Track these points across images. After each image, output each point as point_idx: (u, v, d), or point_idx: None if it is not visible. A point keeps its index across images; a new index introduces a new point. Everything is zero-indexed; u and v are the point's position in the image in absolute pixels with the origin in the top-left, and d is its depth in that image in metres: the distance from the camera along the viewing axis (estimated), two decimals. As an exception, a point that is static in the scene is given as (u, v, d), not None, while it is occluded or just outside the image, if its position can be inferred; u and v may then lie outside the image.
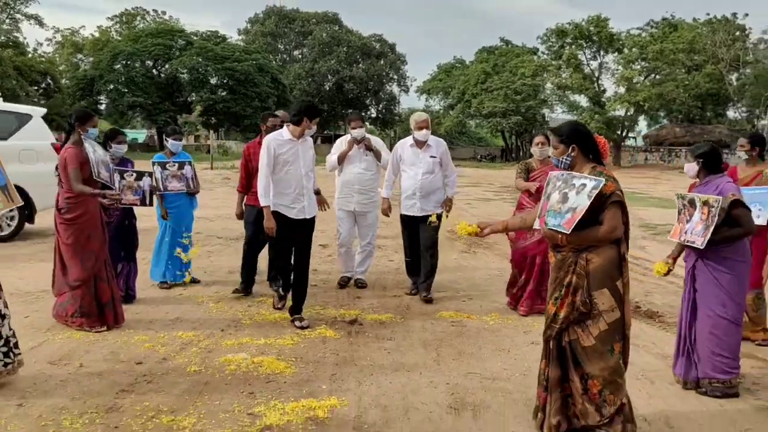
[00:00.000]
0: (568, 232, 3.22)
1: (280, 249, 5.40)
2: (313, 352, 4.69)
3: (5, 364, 3.90)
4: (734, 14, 45.13)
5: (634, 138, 54.40)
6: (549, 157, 4.69)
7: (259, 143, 5.83)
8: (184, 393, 3.86)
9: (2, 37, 41.80)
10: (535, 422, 3.48)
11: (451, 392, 3.98)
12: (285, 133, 5.26)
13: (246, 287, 6.34)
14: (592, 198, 3.18)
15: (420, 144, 6.29)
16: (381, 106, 69.60)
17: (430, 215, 6.00)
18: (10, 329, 4.00)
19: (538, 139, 5.92)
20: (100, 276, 5.08)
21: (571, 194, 3.28)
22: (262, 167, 5.21)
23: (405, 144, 6.43)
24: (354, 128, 6.51)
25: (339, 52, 64.11)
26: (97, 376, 4.09)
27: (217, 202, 14.51)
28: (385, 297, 6.43)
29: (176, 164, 6.46)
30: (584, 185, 3.24)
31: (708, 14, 47.06)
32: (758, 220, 4.57)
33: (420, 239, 6.31)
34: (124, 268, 5.80)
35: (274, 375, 4.18)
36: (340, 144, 6.68)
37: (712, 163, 4.19)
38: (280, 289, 5.77)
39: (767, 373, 4.48)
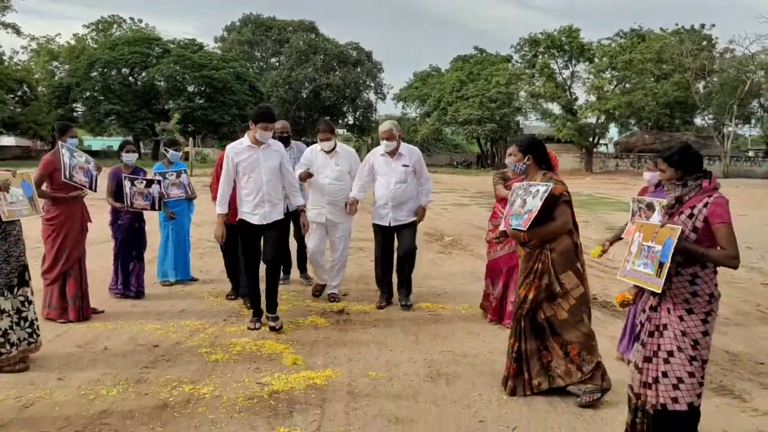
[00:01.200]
0: (525, 229, 3.93)
1: (248, 256, 5.42)
2: (307, 336, 5.34)
3: (29, 343, 4.50)
4: (702, 25, 46.89)
5: (606, 145, 55.84)
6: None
7: None
8: (199, 369, 4.49)
9: (-22, 46, 41.47)
10: (504, 389, 4.16)
11: (428, 366, 4.67)
12: (245, 140, 5.34)
13: (237, 294, 6.51)
14: (543, 199, 3.90)
15: (391, 153, 6.16)
16: (358, 113, 70.29)
17: (406, 222, 6.14)
18: (34, 313, 4.59)
19: (510, 150, 5.52)
20: (70, 273, 5.63)
21: (528, 199, 4.01)
22: (222, 175, 5.40)
23: (377, 153, 6.28)
24: (323, 140, 6.31)
25: (316, 60, 64.67)
26: (122, 356, 4.70)
27: (200, 207, 15.01)
28: (369, 291, 7.09)
29: (174, 173, 7.06)
30: (538, 190, 3.96)
31: (677, 24, 48.69)
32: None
33: (395, 249, 6.34)
34: (135, 267, 6.39)
35: (275, 354, 4.83)
36: (310, 154, 6.41)
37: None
38: (248, 304, 5.85)
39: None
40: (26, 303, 4.53)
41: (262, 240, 5.44)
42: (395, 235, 6.29)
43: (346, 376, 4.41)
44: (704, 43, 45.26)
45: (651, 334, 3.22)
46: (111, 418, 3.64)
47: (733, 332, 5.75)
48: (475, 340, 5.36)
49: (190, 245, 7.36)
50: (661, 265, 3.04)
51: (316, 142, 6.54)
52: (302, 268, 7.41)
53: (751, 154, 53.55)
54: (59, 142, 5.59)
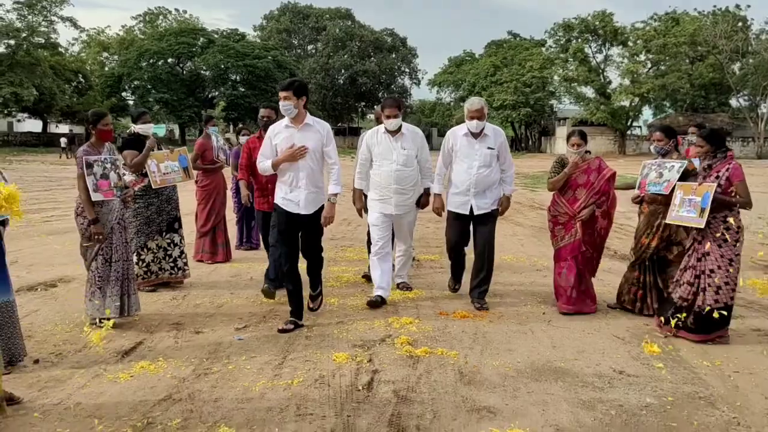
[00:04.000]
0: (666, 193, 5.24)
1: (283, 249, 4.93)
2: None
3: (171, 274, 6.18)
4: (737, 6, 47.04)
5: (639, 127, 56.36)
6: (588, 152, 5.58)
7: (259, 137, 5.85)
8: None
9: (40, 39, 44.24)
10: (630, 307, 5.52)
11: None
12: (286, 119, 4.87)
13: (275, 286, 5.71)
14: (680, 173, 5.21)
15: (475, 134, 5.56)
16: (393, 98, 71.58)
17: (489, 212, 5.61)
18: (180, 253, 6.22)
19: (574, 140, 5.50)
20: (218, 226, 7.47)
21: (664, 172, 5.35)
22: (260, 154, 5.01)
23: (458, 133, 5.65)
24: (389, 117, 5.59)
25: (352, 47, 66.28)
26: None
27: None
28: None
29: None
30: (673, 166, 5.32)
31: (714, 6, 48.83)
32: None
33: (474, 239, 5.78)
34: (254, 225, 8.16)
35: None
36: (371, 138, 5.79)
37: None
38: (270, 287, 5.63)
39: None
40: (172, 245, 6.25)
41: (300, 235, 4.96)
42: (472, 224, 5.72)
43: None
44: (739, 24, 45.48)
45: (699, 260, 4.81)
46: (278, 313, 5.37)
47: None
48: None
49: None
50: (702, 210, 4.66)
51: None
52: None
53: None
54: (206, 129, 7.42)
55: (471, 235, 5.88)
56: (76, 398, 3.57)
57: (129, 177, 5.22)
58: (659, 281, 5.50)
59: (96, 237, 4.79)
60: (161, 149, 6.16)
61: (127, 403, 3.50)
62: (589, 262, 5.60)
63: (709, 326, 4.75)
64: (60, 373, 3.94)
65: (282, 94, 4.75)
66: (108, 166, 4.89)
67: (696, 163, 5.36)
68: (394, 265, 6.19)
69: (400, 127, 5.69)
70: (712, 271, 4.75)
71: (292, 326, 4.91)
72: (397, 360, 4.27)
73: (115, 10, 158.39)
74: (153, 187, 6.01)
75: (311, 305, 5.27)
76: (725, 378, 4.10)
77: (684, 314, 4.84)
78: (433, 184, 5.80)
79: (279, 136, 4.88)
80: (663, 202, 5.34)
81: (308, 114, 4.91)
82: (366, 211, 6.01)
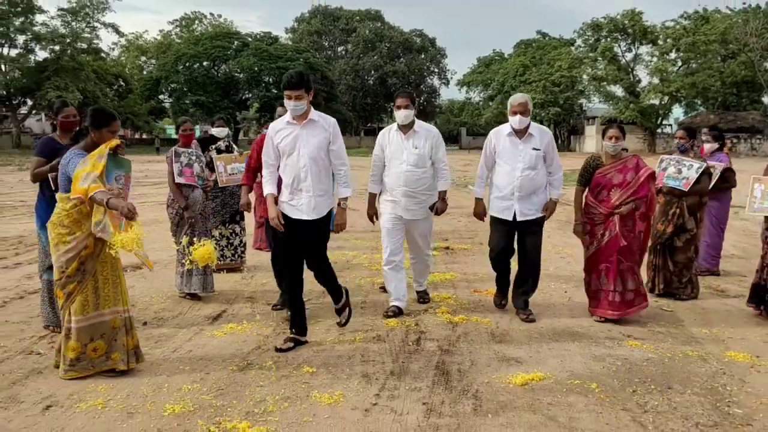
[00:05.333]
0: (686, 190, 6.03)
1: (285, 258, 4.60)
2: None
3: (231, 260, 7.10)
4: (768, 3, 46.74)
5: (670, 125, 56.13)
6: (624, 150, 5.32)
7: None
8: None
9: (84, 45, 46.08)
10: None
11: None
12: (287, 115, 4.44)
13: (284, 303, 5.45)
14: (699, 173, 6.03)
15: (519, 133, 5.15)
16: (422, 98, 72.38)
17: (535, 219, 5.22)
18: (240, 242, 7.15)
19: (612, 132, 5.21)
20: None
21: (683, 169, 6.14)
22: (264, 156, 4.58)
23: (501, 132, 5.25)
24: (400, 107, 5.21)
25: (381, 48, 67.21)
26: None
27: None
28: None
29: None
30: (692, 165, 6.11)
31: (744, 3, 48.49)
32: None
33: (519, 248, 5.36)
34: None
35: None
36: (382, 137, 5.42)
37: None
38: (278, 305, 5.48)
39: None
40: (233, 234, 7.17)
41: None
42: (517, 232, 5.30)
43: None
44: (773, 21, 45.19)
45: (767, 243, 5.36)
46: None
47: (737, 262, 7.92)
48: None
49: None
50: None
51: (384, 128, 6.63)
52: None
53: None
54: (264, 130, 8.33)
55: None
56: (186, 348, 4.49)
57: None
58: (669, 264, 6.20)
59: (189, 220, 5.76)
60: (232, 151, 7.09)
61: (226, 352, 4.41)
62: (631, 257, 5.24)
63: None
64: (167, 332, 4.87)
65: (293, 93, 4.24)
66: (193, 158, 5.90)
67: (696, 165, 6.15)
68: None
69: (412, 124, 5.27)
70: None
71: (291, 344, 4.44)
72: (439, 324, 5.12)
73: (149, 13, 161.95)
74: (219, 185, 6.93)
75: (339, 320, 4.78)
76: (719, 341, 4.84)
77: None
78: (474, 188, 5.54)
79: (281, 134, 4.43)
80: (678, 194, 6.10)
81: (312, 108, 4.45)
82: (377, 217, 5.57)
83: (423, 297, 5.80)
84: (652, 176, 5.31)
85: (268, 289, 6.27)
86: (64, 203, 3.85)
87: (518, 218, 5.20)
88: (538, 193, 5.23)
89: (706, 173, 6.25)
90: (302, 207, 4.41)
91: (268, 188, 4.47)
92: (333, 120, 4.53)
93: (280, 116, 5.21)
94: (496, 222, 5.33)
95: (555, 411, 3.53)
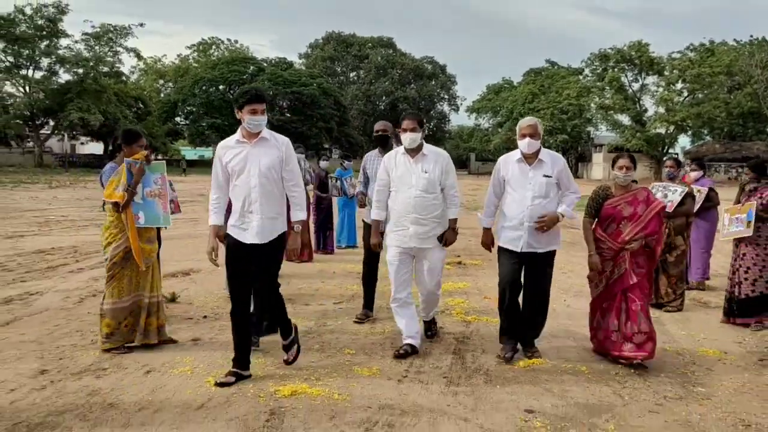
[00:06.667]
0: (670, 211, 6.84)
1: (233, 285, 4.31)
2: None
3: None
4: (773, 36, 47.82)
5: (676, 154, 57.03)
6: (634, 182, 5.10)
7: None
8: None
9: (106, 68, 47.75)
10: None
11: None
12: (237, 134, 4.25)
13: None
14: (681, 196, 6.95)
15: (529, 159, 4.88)
16: (432, 124, 73.77)
17: (545, 252, 4.89)
18: None
19: (622, 162, 5.03)
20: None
21: (668, 194, 7.03)
22: (212, 179, 4.36)
23: (510, 159, 4.97)
24: (406, 130, 4.89)
25: (393, 74, 68.85)
26: (345, 275, 8.25)
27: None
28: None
29: (348, 177, 10.63)
30: (676, 190, 7.05)
31: (751, 36, 49.61)
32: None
33: (525, 283, 5.00)
34: (330, 234, 10.07)
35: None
36: (389, 160, 5.04)
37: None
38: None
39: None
40: None
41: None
42: (525, 266, 4.95)
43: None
44: (776, 53, 46.23)
45: (735, 260, 6.26)
46: (360, 295, 7.09)
47: (722, 280, 8.72)
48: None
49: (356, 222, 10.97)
50: (749, 222, 6.11)
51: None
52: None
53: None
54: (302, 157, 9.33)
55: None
56: (244, 335, 5.37)
57: None
58: (664, 278, 6.99)
59: None
60: None
61: (277, 338, 5.29)
62: (643, 296, 4.94)
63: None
64: (225, 323, 5.74)
65: (260, 106, 4.11)
66: None
67: (679, 189, 7.10)
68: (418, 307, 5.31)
69: (420, 147, 4.96)
70: (749, 267, 6.16)
71: (233, 379, 4.15)
72: (454, 322, 6.00)
73: (160, 36, 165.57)
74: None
75: (286, 357, 4.51)
76: (695, 341, 5.67)
77: None
78: (482, 217, 5.12)
79: (229, 153, 4.20)
80: (665, 215, 6.94)
81: (265, 127, 4.24)
82: (381, 246, 5.23)
83: (430, 328, 5.47)
84: (663, 210, 5.16)
85: (303, 293, 7.18)
86: (111, 212, 4.90)
87: (524, 249, 4.84)
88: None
89: (690, 196, 7.13)
90: (252, 230, 4.18)
91: (213, 218, 4.29)
92: (286, 139, 4.35)
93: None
94: (504, 252, 4.98)
95: (551, 385, 4.38)
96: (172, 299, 6.51)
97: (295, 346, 4.54)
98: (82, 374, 4.32)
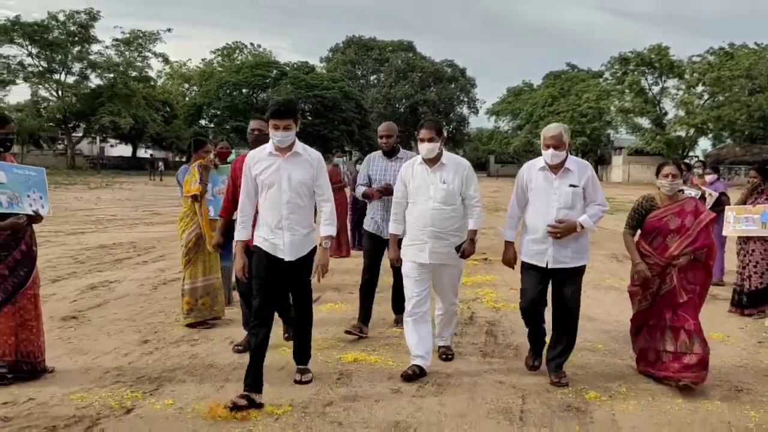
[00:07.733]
0: None
1: (260, 292, 4.05)
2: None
3: None
4: (796, 38, 47.89)
5: (696, 157, 57.14)
6: (681, 191, 4.74)
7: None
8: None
9: (136, 73, 49.20)
10: None
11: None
12: (269, 145, 4.10)
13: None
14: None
15: (554, 168, 4.52)
16: (451, 126, 74.33)
17: (573, 267, 4.51)
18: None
19: (668, 169, 4.63)
20: (341, 230, 10.12)
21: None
22: (241, 189, 4.20)
23: (534, 166, 4.62)
24: (423, 140, 4.58)
25: (413, 78, 69.55)
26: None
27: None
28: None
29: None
30: (690, 193, 6.99)
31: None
32: None
33: (553, 301, 4.70)
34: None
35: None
36: (405, 170, 4.76)
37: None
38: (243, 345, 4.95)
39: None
40: None
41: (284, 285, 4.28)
42: (551, 282, 4.65)
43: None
44: (797, 57, 46.36)
45: (744, 256, 6.87)
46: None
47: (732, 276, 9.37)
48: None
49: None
50: (763, 224, 6.45)
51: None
52: (397, 308, 5.74)
53: None
54: (333, 160, 10.15)
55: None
56: (303, 317, 6.20)
57: None
58: None
59: None
60: None
61: (337, 318, 6.15)
62: (695, 314, 4.58)
63: None
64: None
65: (282, 122, 3.94)
66: None
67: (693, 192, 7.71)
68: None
69: (440, 156, 4.66)
70: (757, 263, 6.78)
71: (245, 402, 3.79)
72: (485, 309, 6.78)
73: (185, 40, 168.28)
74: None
75: (299, 377, 4.36)
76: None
77: None
78: (505, 230, 4.75)
79: (259, 165, 4.09)
80: None
81: (297, 139, 4.14)
82: (399, 261, 4.85)
83: (446, 353, 5.10)
84: (713, 222, 4.71)
85: (349, 285, 7.96)
86: (185, 205, 5.88)
87: (551, 265, 4.52)
88: (577, 238, 4.50)
89: (702, 198, 7.82)
90: (284, 246, 4.06)
91: (243, 233, 4.12)
92: (318, 154, 4.27)
93: (252, 130, 4.86)
94: (527, 268, 4.68)
95: (572, 359, 5.10)
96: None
97: (309, 374, 4.42)
98: (179, 343, 5.20)
